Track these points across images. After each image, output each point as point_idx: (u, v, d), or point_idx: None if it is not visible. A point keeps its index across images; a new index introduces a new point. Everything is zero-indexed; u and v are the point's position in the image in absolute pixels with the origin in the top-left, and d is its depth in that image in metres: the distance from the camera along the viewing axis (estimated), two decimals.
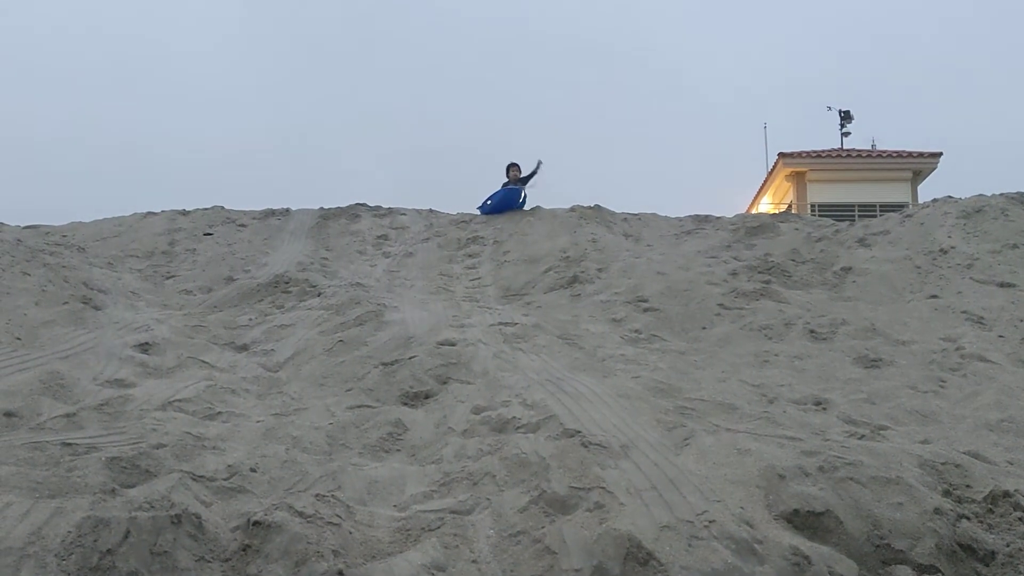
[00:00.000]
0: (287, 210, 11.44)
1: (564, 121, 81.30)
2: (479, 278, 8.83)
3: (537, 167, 11.62)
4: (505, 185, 11.69)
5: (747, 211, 18.02)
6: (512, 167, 11.84)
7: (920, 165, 21.75)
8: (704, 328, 6.43)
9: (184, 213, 11.09)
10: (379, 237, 10.56)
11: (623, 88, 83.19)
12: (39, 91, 72.77)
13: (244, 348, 5.86)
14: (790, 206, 21.37)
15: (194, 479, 3.03)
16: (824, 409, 4.31)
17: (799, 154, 21.92)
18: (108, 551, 2.44)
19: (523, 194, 11.48)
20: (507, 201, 11.37)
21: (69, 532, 2.48)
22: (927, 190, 21.49)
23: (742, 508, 2.96)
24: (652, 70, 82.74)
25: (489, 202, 11.51)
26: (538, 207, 11.71)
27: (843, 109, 23.90)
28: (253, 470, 3.28)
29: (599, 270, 8.43)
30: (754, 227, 9.58)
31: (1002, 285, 6.81)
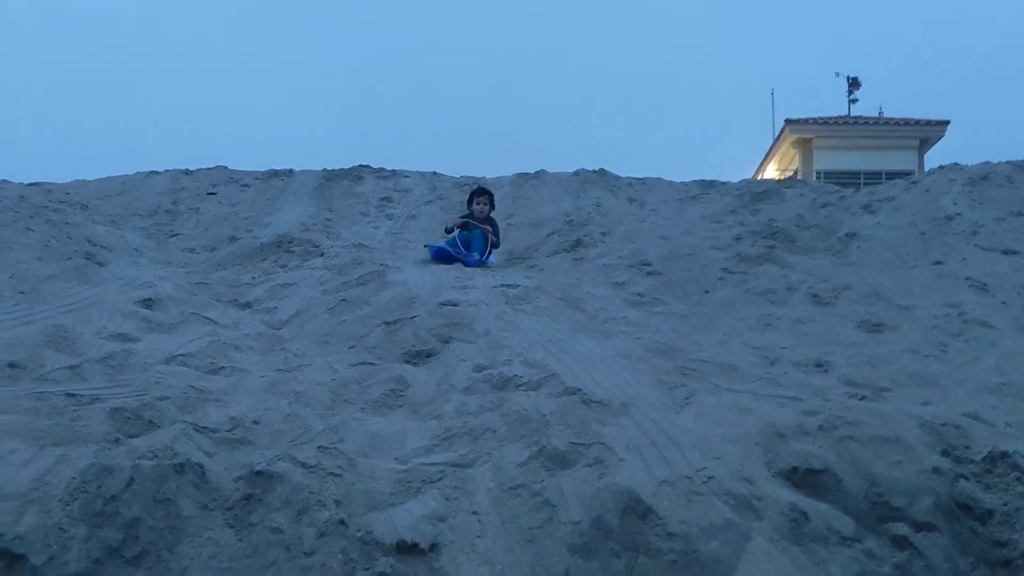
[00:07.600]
0: (290, 171, 11.41)
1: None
2: None
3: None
4: (463, 217, 8.25)
5: (753, 178, 17.91)
6: (478, 196, 8.33)
7: (927, 133, 21.58)
8: (707, 292, 6.43)
9: (187, 173, 11.06)
10: (382, 199, 10.53)
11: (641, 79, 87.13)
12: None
13: (247, 306, 5.87)
14: (796, 173, 21.24)
15: (197, 430, 3.05)
16: (825, 371, 4.32)
17: (806, 121, 21.74)
18: (112, 497, 2.46)
19: (487, 252, 7.93)
20: (459, 259, 7.57)
21: (73, 479, 2.50)
22: (933, 159, 21.36)
23: (741, 465, 2.97)
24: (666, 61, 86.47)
25: (442, 246, 7.71)
26: (542, 171, 11.66)
27: (851, 76, 23.67)
28: (256, 423, 3.30)
29: (603, 234, 8.41)
30: (759, 192, 9.55)
31: (1006, 252, 6.78)
